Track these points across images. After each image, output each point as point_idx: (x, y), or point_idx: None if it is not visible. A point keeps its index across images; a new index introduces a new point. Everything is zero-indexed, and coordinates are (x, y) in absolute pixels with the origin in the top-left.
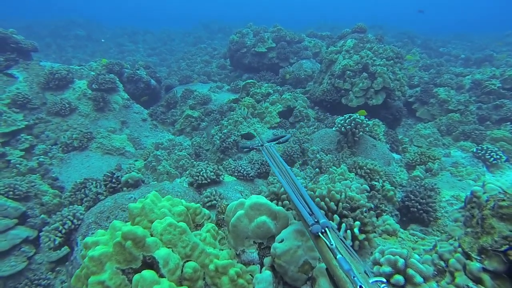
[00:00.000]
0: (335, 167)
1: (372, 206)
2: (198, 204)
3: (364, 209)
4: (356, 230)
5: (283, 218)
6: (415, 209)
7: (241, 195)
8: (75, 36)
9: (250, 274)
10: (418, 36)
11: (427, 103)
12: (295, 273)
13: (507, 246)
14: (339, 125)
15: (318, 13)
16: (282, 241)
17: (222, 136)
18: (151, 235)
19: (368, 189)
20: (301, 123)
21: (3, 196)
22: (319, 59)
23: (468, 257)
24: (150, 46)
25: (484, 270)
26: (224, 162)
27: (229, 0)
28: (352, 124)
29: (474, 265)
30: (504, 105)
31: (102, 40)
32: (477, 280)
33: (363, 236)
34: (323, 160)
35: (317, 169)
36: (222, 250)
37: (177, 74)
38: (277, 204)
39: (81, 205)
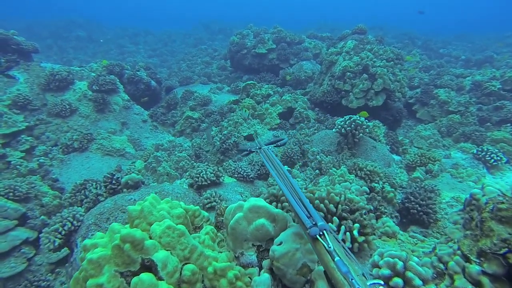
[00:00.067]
0: (335, 169)
1: (372, 208)
2: (197, 207)
3: (364, 211)
4: (355, 232)
5: (282, 220)
6: (415, 211)
7: (241, 196)
8: (76, 37)
9: (248, 277)
10: (419, 37)
11: (428, 104)
12: (293, 276)
13: (506, 249)
14: (339, 126)
15: (318, 14)
16: (280, 243)
17: (222, 138)
18: (150, 238)
19: (368, 191)
20: (301, 124)
21: (3, 197)
22: (319, 60)
23: (467, 260)
24: (151, 47)
25: (483, 273)
26: (224, 164)
27: (229, 0)
28: (352, 126)
29: (473, 268)
30: (504, 107)
31: (101, 40)
32: (476, 283)
33: (363, 238)
34: (323, 162)
35: (317, 171)
36: (220, 252)
37: (178, 75)
38: (276, 206)
39: (81, 206)
